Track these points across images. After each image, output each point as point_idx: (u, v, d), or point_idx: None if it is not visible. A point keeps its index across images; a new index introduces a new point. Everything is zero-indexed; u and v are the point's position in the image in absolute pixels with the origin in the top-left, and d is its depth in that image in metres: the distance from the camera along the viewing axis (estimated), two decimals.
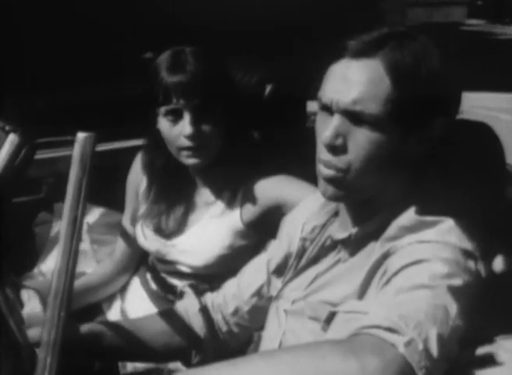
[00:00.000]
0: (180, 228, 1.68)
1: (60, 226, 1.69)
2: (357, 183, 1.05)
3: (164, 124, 1.54)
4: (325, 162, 1.05)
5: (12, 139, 0.80)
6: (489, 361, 0.94)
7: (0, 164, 0.81)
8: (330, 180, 1.06)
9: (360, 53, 1.02)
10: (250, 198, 1.60)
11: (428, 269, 0.94)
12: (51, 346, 0.82)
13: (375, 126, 1.01)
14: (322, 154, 1.05)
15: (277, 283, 1.31)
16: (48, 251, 1.93)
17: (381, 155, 1.02)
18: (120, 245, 1.86)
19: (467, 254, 0.99)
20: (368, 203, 1.10)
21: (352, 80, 1.01)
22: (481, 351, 0.96)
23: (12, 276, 1.22)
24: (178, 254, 1.67)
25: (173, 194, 1.69)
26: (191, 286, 1.65)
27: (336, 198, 1.10)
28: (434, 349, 0.83)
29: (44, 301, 1.22)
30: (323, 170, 1.06)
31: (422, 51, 1.03)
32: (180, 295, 1.66)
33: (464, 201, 1.08)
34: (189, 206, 1.69)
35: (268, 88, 1.75)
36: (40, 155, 1.98)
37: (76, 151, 0.76)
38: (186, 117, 1.50)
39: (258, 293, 1.36)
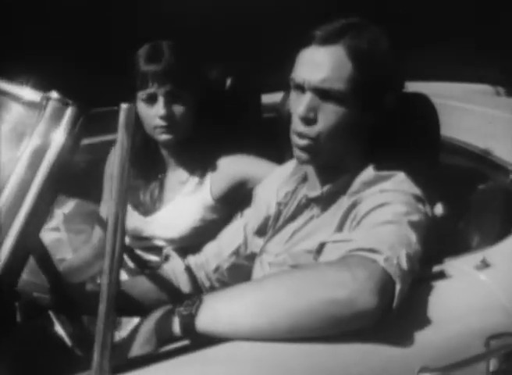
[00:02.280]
0: (156, 205, 1.86)
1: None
2: (325, 148, 1.25)
3: (141, 107, 1.74)
4: (299, 133, 1.25)
5: (70, 110, 0.93)
6: (441, 275, 1.20)
7: (61, 134, 0.97)
8: (304, 148, 1.26)
9: (326, 41, 1.22)
10: (218, 175, 1.80)
11: (391, 209, 1.16)
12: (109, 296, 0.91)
13: (340, 101, 1.20)
14: (297, 126, 1.25)
15: (259, 241, 1.49)
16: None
17: (344, 125, 1.22)
18: (97, 232, 2.01)
19: (417, 198, 1.22)
20: (335, 166, 1.30)
21: (320, 63, 1.21)
22: (435, 268, 1.22)
23: None
24: (155, 229, 1.84)
25: (150, 173, 1.89)
26: (174, 250, 1.83)
27: (308, 162, 1.31)
28: (404, 264, 1.05)
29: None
30: (297, 140, 1.26)
31: (374, 38, 1.25)
32: (166, 258, 1.83)
33: (409, 161, 1.30)
34: (163, 185, 1.88)
35: (228, 81, 1.96)
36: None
37: (122, 119, 0.93)
38: (160, 100, 1.71)
39: (236, 252, 1.54)
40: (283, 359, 1.01)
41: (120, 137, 0.93)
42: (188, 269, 1.58)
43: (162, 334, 1.03)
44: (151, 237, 1.87)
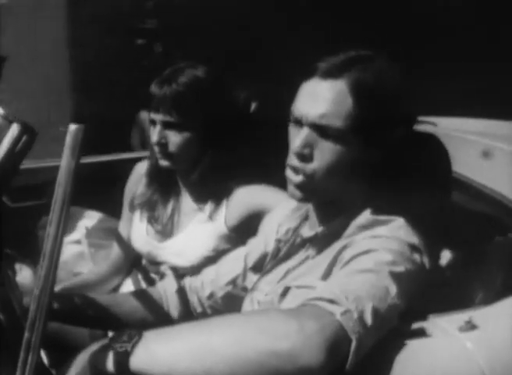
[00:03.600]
0: (170, 229, 1.84)
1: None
2: (321, 187, 1.19)
3: (151, 130, 1.74)
4: (294, 168, 1.19)
5: (14, 128, 0.93)
6: (420, 333, 1.09)
7: (2, 151, 0.95)
8: (298, 185, 1.19)
9: (328, 74, 1.16)
10: (234, 205, 1.75)
11: (374, 257, 1.08)
12: (36, 326, 0.89)
13: (339, 139, 1.14)
14: (292, 161, 1.19)
15: (253, 277, 1.44)
16: None
17: (343, 164, 1.16)
18: (115, 249, 2.02)
19: (413, 247, 1.12)
20: (332, 206, 1.24)
21: (320, 98, 1.15)
22: (415, 325, 1.11)
23: (11, 255, 1.35)
24: (167, 255, 1.81)
25: (165, 197, 1.86)
26: (172, 269, 1.80)
27: (302, 200, 1.24)
28: (368, 319, 0.96)
29: (35, 272, 1.34)
30: (292, 176, 1.20)
31: (383, 73, 1.17)
32: (161, 277, 1.82)
33: (414, 205, 1.22)
34: (179, 208, 1.85)
35: (254, 105, 1.92)
36: (44, 163, 2.15)
37: (68, 141, 0.90)
38: (157, 126, 1.70)
39: (233, 281, 1.49)
40: None
41: (65, 159, 0.90)
42: (180, 291, 1.53)
43: (97, 369, 0.98)
44: (163, 262, 1.84)
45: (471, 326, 1.09)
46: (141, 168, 1.96)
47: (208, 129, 1.71)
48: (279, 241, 1.38)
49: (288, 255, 1.34)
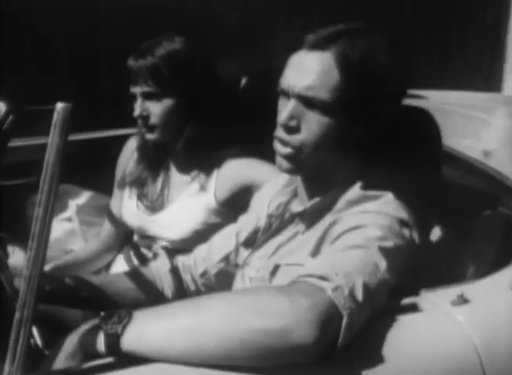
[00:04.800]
0: (160, 203, 1.83)
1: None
2: (309, 159, 1.18)
3: (134, 103, 1.73)
4: (281, 140, 1.18)
5: (0, 107, 0.93)
6: (411, 308, 1.09)
7: None
8: (285, 156, 1.19)
9: (315, 46, 1.14)
10: (224, 179, 1.75)
11: (363, 232, 1.07)
12: (27, 307, 0.88)
13: (325, 111, 1.13)
14: (279, 132, 1.18)
15: (244, 253, 1.43)
16: None
17: (329, 137, 1.15)
18: (106, 226, 2.01)
19: (402, 222, 1.12)
20: (321, 181, 1.23)
21: (306, 70, 1.14)
22: (406, 301, 1.11)
23: (2, 237, 1.34)
24: (158, 229, 1.81)
25: (157, 167, 1.87)
26: (164, 248, 1.80)
27: (289, 172, 1.23)
28: (359, 295, 0.96)
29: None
30: (279, 147, 1.19)
31: (370, 46, 1.14)
32: (154, 256, 1.81)
33: (405, 180, 1.22)
34: (169, 182, 1.85)
35: (244, 80, 1.90)
36: (33, 141, 2.13)
37: (56, 120, 0.89)
38: (138, 99, 1.71)
39: (226, 259, 1.48)
40: None
41: (51, 138, 0.89)
42: (174, 271, 1.53)
43: (87, 350, 0.98)
44: (154, 236, 1.84)
45: (463, 300, 1.09)
46: (132, 144, 1.95)
47: (188, 99, 1.71)
48: (270, 215, 1.37)
49: (278, 230, 1.34)
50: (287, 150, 1.18)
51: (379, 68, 1.14)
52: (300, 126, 1.16)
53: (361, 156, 1.23)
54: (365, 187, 1.19)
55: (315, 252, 1.16)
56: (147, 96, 1.70)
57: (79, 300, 1.41)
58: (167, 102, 1.70)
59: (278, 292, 0.96)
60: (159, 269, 1.53)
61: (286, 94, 1.18)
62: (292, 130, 1.16)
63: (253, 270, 1.33)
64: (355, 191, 1.19)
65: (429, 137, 1.33)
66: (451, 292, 1.11)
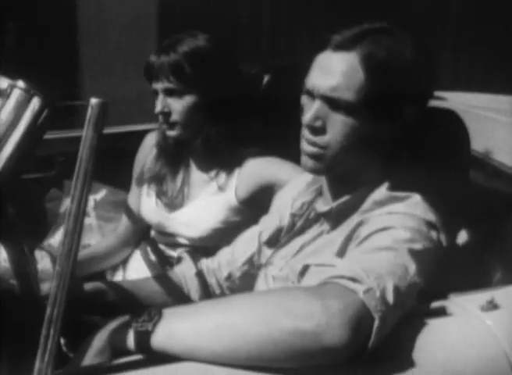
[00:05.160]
0: (180, 201, 1.83)
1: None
2: (334, 159, 1.18)
3: (155, 100, 1.73)
4: (308, 140, 1.18)
5: (35, 101, 0.92)
6: (440, 312, 1.08)
7: (24, 124, 0.93)
8: (311, 156, 1.19)
9: (340, 47, 1.14)
10: (245, 177, 1.74)
11: (392, 234, 1.06)
12: (58, 304, 0.88)
13: (350, 112, 1.13)
14: (305, 132, 1.19)
15: (268, 252, 1.42)
16: (57, 226, 2.06)
17: (355, 138, 1.15)
18: (124, 221, 2.01)
19: (430, 224, 1.11)
20: (346, 180, 1.22)
21: (331, 70, 1.14)
22: (435, 304, 1.10)
23: (26, 237, 1.34)
24: (177, 226, 1.80)
25: (175, 167, 1.86)
26: (188, 252, 1.79)
27: (314, 171, 1.23)
28: (390, 298, 0.95)
29: (54, 260, 1.34)
30: (306, 147, 1.19)
31: (396, 46, 1.14)
32: (178, 260, 1.80)
33: (432, 182, 1.21)
34: (189, 179, 1.84)
35: (266, 78, 1.89)
36: (53, 135, 2.13)
37: (89, 115, 0.89)
38: (159, 96, 1.70)
39: (250, 261, 1.47)
40: None
41: (85, 134, 0.88)
42: (199, 275, 1.52)
43: (116, 347, 0.98)
44: (174, 233, 1.84)
45: (492, 305, 1.08)
46: (151, 139, 1.95)
47: (210, 96, 1.70)
48: (293, 215, 1.37)
49: (302, 230, 1.33)
50: (314, 150, 1.18)
51: (404, 68, 1.14)
52: (325, 126, 1.16)
53: (387, 156, 1.22)
54: (392, 188, 1.19)
55: (341, 253, 1.15)
56: (169, 93, 1.69)
57: (105, 305, 1.40)
58: (189, 99, 1.69)
59: (309, 293, 0.96)
60: (185, 273, 1.53)
61: (311, 95, 1.18)
62: (317, 130, 1.17)
63: (276, 269, 1.33)
64: (382, 191, 1.19)
65: (457, 140, 1.32)
66: (480, 297, 1.10)
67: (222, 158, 1.76)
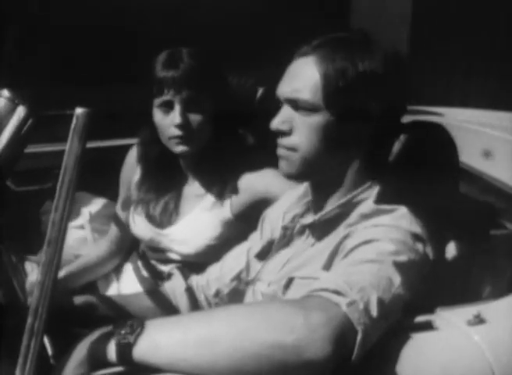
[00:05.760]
0: (172, 218, 1.80)
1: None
2: (305, 161, 1.19)
3: (157, 115, 1.67)
4: (279, 144, 1.22)
5: (20, 111, 0.92)
6: (426, 326, 1.08)
7: (8, 133, 0.93)
8: (283, 158, 1.22)
9: (303, 54, 1.19)
10: (240, 191, 1.73)
11: (377, 246, 1.06)
12: (39, 314, 0.88)
13: (310, 111, 1.17)
14: (278, 137, 1.22)
15: (257, 267, 1.41)
16: None
17: (320, 138, 1.17)
18: (113, 229, 1.99)
19: (416, 237, 1.10)
20: (327, 189, 1.23)
21: (293, 75, 1.19)
22: (422, 318, 1.10)
23: (14, 247, 1.34)
24: (170, 243, 1.79)
25: (164, 184, 1.82)
26: (178, 268, 1.78)
27: (289, 175, 1.24)
28: (374, 310, 0.95)
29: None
30: (278, 150, 1.23)
31: (354, 53, 1.16)
32: (168, 276, 1.78)
33: (420, 194, 1.21)
34: (179, 197, 1.82)
35: (260, 91, 1.89)
36: (49, 148, 2.14)
37: (74, 125, 0.89)
38: (177, 108, 1.63)
39: (238, 277, 1.47)
40: None
41: (70, 144, 0.89)
42: (189, 291, 1.52)
43: (97, 358, 0.97)
44: (166, 249, 1.82)
45: (479, 320, 1.08)
46: (133, 156, 1.92)
47: (219, 109, 1.68)
48: (285, 227, 1.36)
49: (288, 242, 1.33)
50: (285, 152, 1.21)
51: (361, 71, 1.15)
52: (292, 129, 1.19)
53: (366, 164, 1.22)
54: (378, 200, 1.18)
55: (328, 266, 1.15)
56: (190, 103, 1.65)
57: (95, 320, 1.38)
58: (206, 113, 1.67)
59: (291, 306, 0.95)
60: (175, 289, 1.53)
61: (280, 102, 1.21)
62: (285, 133, 1.20)
63: (264, 285, 1.32)
64: (368, 204, 1.18)
65: (445, 151, 1.32)
66: (467, 311, 1.10)
67: (218, 171, 1.74)
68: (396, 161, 1.24)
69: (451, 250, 1.30)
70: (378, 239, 1.07)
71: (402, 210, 1.15)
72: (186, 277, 1.59)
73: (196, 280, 1.55)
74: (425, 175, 1.26)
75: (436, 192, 1.26)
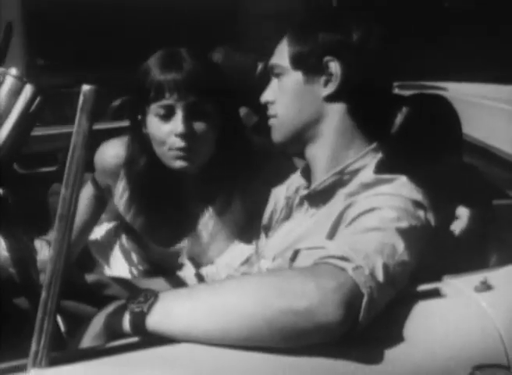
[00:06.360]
0: (178, 237, 1.65)
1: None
2: (285, 125, 1.25)
3: (153, 122, 1.45)
4: (268, 115, 1.28)
5: (28, 89, 0.93)
6: (434, 293, 1.09)
7: (16, 112, 0.94)
8: (271, 128, 1.28)
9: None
10: (247, 202, 1.59)
11: (379, 214, 1.08)
12: (53, 288, 0.88)
13: (283, 74, 1.25)
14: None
15: (263, 243, 1.43)
16: None
17: (290, 96, 1.24)
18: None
19: (416, 204, 1.12)
20: (319, 160, 1.25)
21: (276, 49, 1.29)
22: (429, 286, 1.11)
23: (27, 230, 1.35)
24: (182, 257, 1.66)
25: (162, 204, 1.60)
26: (190, 259, 1.68)
27: (277, 145, 1.29)
28: (380, 275, 0.97)
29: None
30: (268, 120, 1.28)
31: (318, 21, 1.27)
32: (180, 267, 1.68)
33: (421, 164, 1.22)
34: (182, 214, 1.62)
35: (260, 66, 1.89)
36: (55, 130, 2.15)
37: (81, 103, 0.90)
38: (179, 114, 1.42)
39: (247, 261, 1.48)
40: (234, 368, 0.95)
41: (78, 121, 0.89)
42: (199, 275, 1.54)
43: (112, 330, 0.99)
44: (180, 264, 1.67)
45: (486, 286, 1.09)
46: (115, 157, 1.62)
47: (225, 116, 1.49)
48: (288, 198, 1.38)
49: (288, 215, 1.35)
50: (269, 121, 1.28)
51: (321, 38, 1.22)
52: (275, 98, 1.27)
53: (365, 136, 1.24)
54: (379, 170, 1.20)
55: (331, 235, 1.16)
56: (193, 110, 1.44)
57: (102, 299, 1.37)
58: (212, 118, 1.46)
59: (301, 273, 0.97)
60: (185, 275, 1.55)
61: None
62: (270, 103, 1.28)
63: (269, 261, 1.32)
64: (368, 173, 1.20)
65: (447, 123, 1.33)
66: (474, 279, 1.11)
67: (223, 183, 1.56)
68: (399, 132, 1.26)
69: (457, 218, 1.31)
70: (380, 207, 1.09)
71: (402, 179, 1.17)
72: (196, 267, 1.59)
73: (205, 270, 1.57)
74: (428, 145, 1.28)
75: (439, 162, 1.28)
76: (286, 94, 1.24)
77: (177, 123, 1.41)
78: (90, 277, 1.46)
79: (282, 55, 1.25)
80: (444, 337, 1.05)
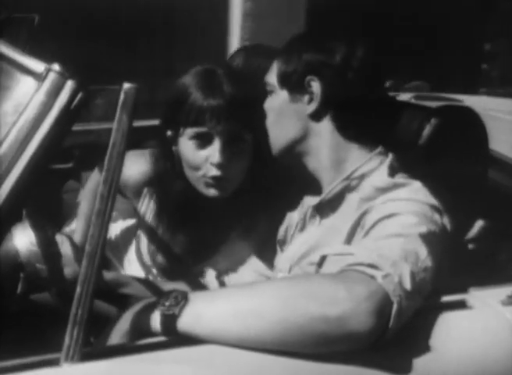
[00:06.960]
0: (203, 257, 1.60)
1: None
2: (275, 140, 1.33)
3: (188, 146, 1.38)
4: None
5: (70, 85, 0.92)
6: (461, 305, 1.10)
7: (58, 107, 0.94)
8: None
9: None
10: (271, 225, 1.51)
11: (399, 220, 1.08)
12: (88, 282, 0.90)
13: (271, 92, 1.34)
14: None
15: (279, 255, 1.43)
16: (74, 216, 2.07)
17: (280, 115, 1.32)
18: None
19: (433, 208, 1.14)
20: (327, 170, 1.27)
21: None
22: (455, 297, 1.12)
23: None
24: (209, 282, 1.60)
25: (190, 224, 1.55)
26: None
27: (276, 159, 1.35)
28: (407, 284, 0.97)
29: (74, 245, 1.34)
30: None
31: (302, 45, 1.32)
32: (201, 274, 1.61)
33: (445, 172, 1.24)
34: (207, 235, 1.57)
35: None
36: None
37: (122, 100, 0.90)
38: (217, 143, 1.34)
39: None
40: (264, 372, 0.95)
41: (118, 119, 0.90)
42: (219, 279, 1.53)
43: (141, 329, 0.99)
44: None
45: None
46: (140, 175, 1.56)
47: (255, 140, 1.40)
48: (302, 212, 1.37)
49: (302, 228, 1.36)
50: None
51: (304, 59, 1.28)
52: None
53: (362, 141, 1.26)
54: (393, 175, 1.22)
55: (348, 241, 1.17)
56: (230, 138, 1.36)
57: (119, 297, 1.42)
58: (248, 146, 1.39)
59: (333, 279, 0.97)
60: (207, 279, 1.54)
61: None
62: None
63: (286, 272, 1.32)
64: (383, 177, 1.21)
65: (474, 135, 1.34)
66: (501, 292, 1.11)
67: (249, 206, 1.49)
68: (428, 142, 1.27)
69: (480, 231, 1.32)
70: (399, 213, 1.10)
71: (416, 184, 1.19)
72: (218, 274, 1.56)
73: (228, 278, 1.55)
74: (456, 156, 1.28)
75: (465, 173, 1.29)
76: (273, 111, 1.33)
77: (215, 152, 1.34)
78: (108, 275, 1.45)
79: (273, 73, 1.33)
80: (470, 348, 1.05)
